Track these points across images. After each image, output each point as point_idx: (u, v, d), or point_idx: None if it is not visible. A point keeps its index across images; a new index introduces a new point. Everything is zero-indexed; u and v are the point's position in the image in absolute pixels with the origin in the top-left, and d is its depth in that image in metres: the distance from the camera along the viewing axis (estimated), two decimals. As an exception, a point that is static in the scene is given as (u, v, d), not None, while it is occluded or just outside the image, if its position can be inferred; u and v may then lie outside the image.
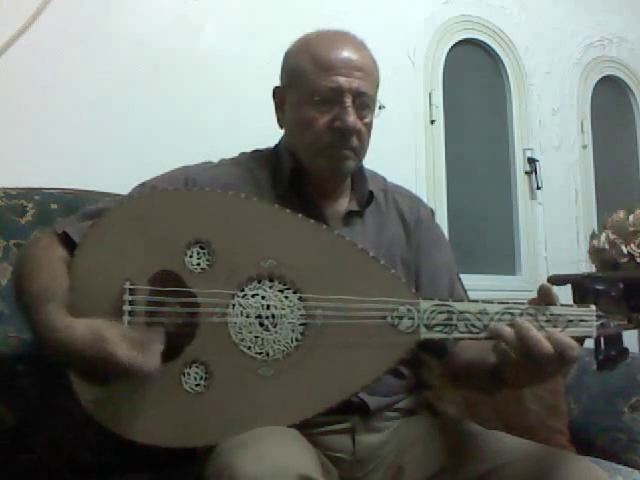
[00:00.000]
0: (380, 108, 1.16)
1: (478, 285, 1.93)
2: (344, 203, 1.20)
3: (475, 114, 2.50)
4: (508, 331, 0.93)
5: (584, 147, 2.67)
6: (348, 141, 1.11)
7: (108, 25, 1.76)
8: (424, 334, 0.97)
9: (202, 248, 0.98)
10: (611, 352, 0.95)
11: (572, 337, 0.92)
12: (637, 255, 1.77)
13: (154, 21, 1.83)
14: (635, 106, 2.84)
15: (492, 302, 0.97)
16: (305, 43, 1.16)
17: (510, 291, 2.26)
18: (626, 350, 0.96)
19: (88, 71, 1.72)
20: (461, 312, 0.97)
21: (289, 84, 1.17)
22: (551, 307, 0.95)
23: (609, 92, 2.79)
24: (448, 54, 2.40)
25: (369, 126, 1.15)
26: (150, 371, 0.89)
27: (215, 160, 1.22)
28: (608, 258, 1.83)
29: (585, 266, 2.45)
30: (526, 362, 0.91)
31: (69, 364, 0.92)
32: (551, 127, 2.59)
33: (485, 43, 2.50)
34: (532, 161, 2.50)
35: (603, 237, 1.86)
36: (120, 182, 1.17)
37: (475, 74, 2.51)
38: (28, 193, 1.35)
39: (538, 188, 2.50)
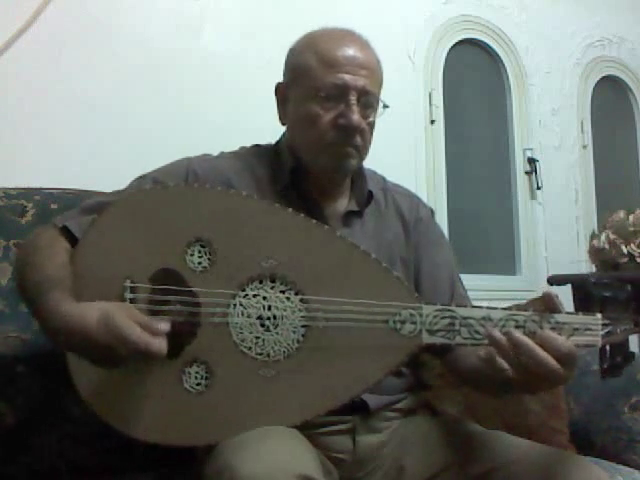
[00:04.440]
0: (384, 107, 1.16)
1: (478, 285, 1.93)
2: (343, 203, 1.19)
3: (475, 114, 2.50)
4: (505, 345, 0.89)
5: (584, 147, 2.67)
6: (352, 139, 1.10)
7: (108, 25, 1.76)
8: (426, 339, 0.95)
9: (203, 247, 0.98)
10: (616, 359, 0.93)
11: (577, 345, 0.90)
12: (637, 255, 1.77)
13: (154, 21, 1.83)
14: (635, 106, 2.84)
15: (496, 308, 0.95)
16: (310, 40, 1.16)
17: (510, 291, 2.26)
18: (632, 354, 0.94)
19: (88, 71, 1.72)
20: (464, 318, 0.95)
21: (293, 80, 1.16)
22: (556, 315, 0.92)
23: (609, 92, 2.79)
24: (448, 54, 2.40)
25: (372, 125, 1.14)
26: (161, 352, 0.88)
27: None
28: (608, 258, 1.83)
29: (585, 266, 2.45)
30: (526, 374, 0.88)
31: (79, 349, 0.91)
32: (551, 127, 2.59)
33: (485, 43, 2.50)
34: (532, 161, 2.50)
35: (603, 237, 1.85)
36: (120, 182, 1.16)
37: (475, 74, 2.52)
38: (28, 193, 1.34)
39: (538, 188, 2.50)
